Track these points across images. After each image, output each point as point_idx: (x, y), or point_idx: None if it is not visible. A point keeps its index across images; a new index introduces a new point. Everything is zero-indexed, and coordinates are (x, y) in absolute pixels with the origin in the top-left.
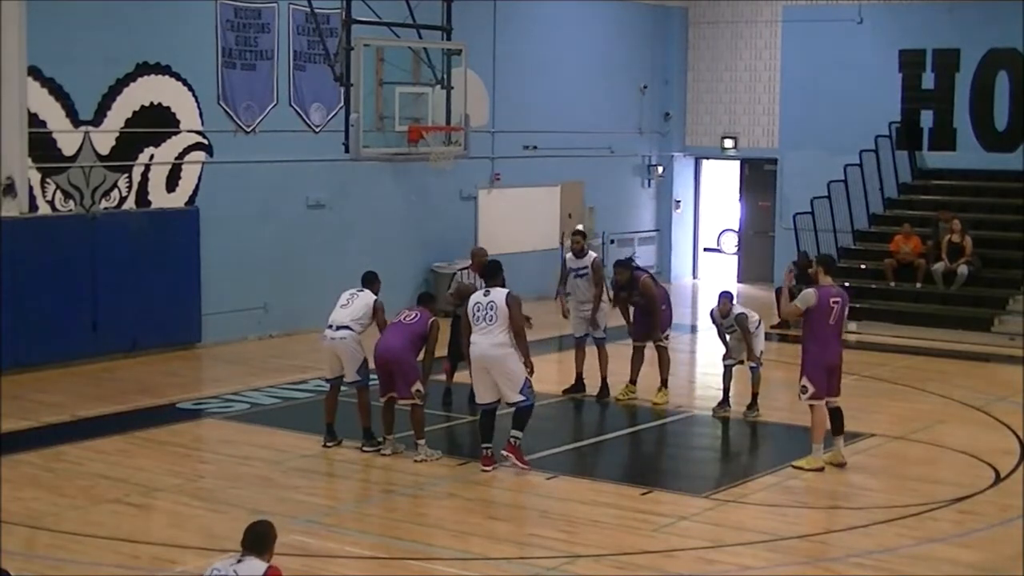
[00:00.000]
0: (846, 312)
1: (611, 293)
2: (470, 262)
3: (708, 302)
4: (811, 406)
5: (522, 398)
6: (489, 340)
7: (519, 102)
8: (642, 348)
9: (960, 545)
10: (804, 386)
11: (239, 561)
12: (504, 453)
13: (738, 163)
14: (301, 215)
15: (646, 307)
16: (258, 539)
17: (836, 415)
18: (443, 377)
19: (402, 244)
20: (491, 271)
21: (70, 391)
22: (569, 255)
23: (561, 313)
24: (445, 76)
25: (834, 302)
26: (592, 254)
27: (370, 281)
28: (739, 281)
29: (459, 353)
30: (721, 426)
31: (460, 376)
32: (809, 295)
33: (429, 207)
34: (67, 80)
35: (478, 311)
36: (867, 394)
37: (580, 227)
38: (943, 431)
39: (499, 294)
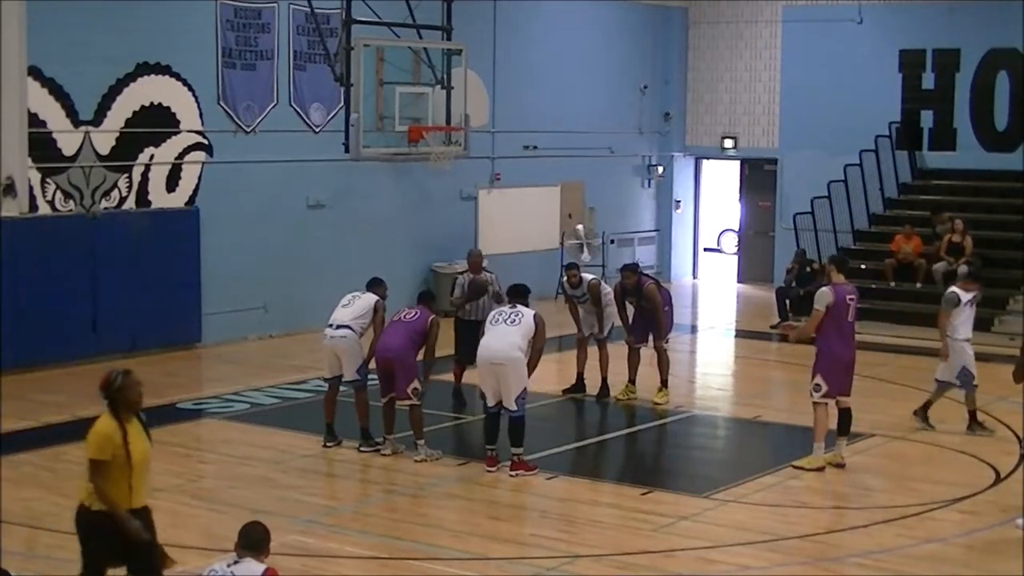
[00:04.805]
0: (857, 311)
1: (613, 305)
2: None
3: (708, 302)
4: (816, 405)
5: (515, 408)
6: (505, 341)
7: (519, 102)
8: (638, 349)
9: (960, 545)
10: (818, 384)
11: (235, 562)
12: (512, 474)
13: (738, 163)
14: (301, 215)
15: (649, 312)
16: (254, 540)
17: (845, 415)
18: (451, 378)
19: (402, 244)
20: (520, 292)
21: (70, 391)
22: (566, 284)
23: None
24: (445, 76)
25: (850, 299)
26: (587, 277)
27: (374, 286)
28: (739, 281)
29: (465, 353)
30: (721, 426)
31: (468, 377)
32: (826, 293)
33: (429, 207)
34: (67, 80)
35: (500, 316)
36: (867, 394)
37: (581, 229)
38: (943, 431)
39: (528, 311)
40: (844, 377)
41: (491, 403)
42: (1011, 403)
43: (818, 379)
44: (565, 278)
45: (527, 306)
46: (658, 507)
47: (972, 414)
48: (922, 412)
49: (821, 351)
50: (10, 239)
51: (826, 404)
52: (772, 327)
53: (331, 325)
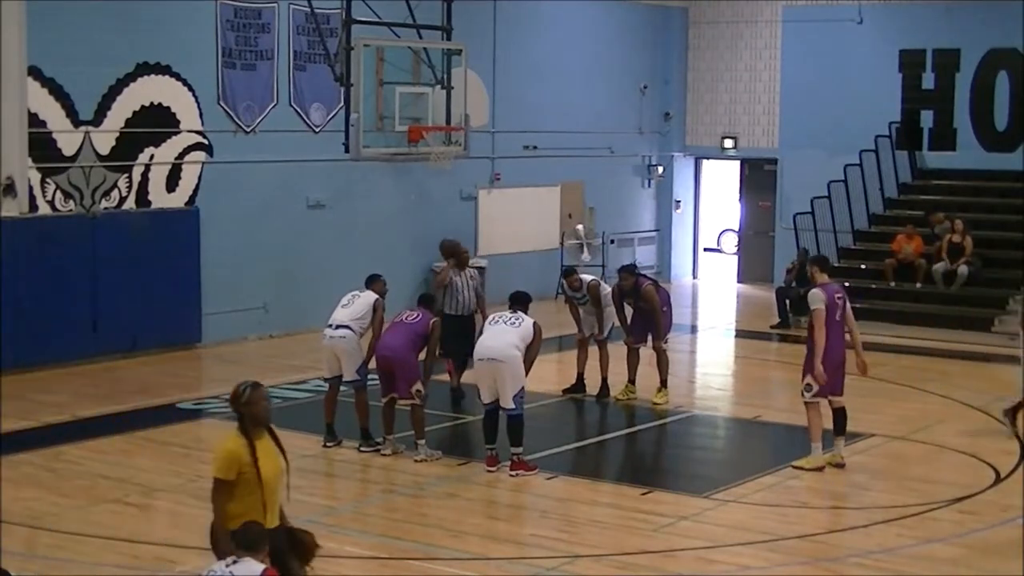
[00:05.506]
0: (848, 308)
1: (612, 306)
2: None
3: (708, 302)
4: (807, 405)
5: (513, 406)
6: (503, 340)
7: (519, 102)
8: (637, 349)
9: (960, 545)
10: (808, 384)
11: (235, 562)
12: (512, 473)
13: (738, 163)
14: (301, 215)
15: (648, 313)
16: (251, 540)
17: (840, 415)
18: (446, 377)
19: (402, 244)
20: (521, 299)
21: (70, 391)
22: (566, 286)
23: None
24: (445, 76)
25: (838, 298)
26: (586, 279)
27: (372, 282)
28: (739, 281)
29: (454, 351)
30: (721, 426)
31: (466, 376)
32: (818, 293)
33: (429, 207)
34: (67, 80)
35: (501, 318)
36: (867, 394)
37: (581, 229)
38: (943, 431)
39: (528, 318)
40: (835, 376)
41: (487, 400)
42: (1011, 403)
43: (809, 379)
44: (566, 283)
45: (527, 313)
46: (658, 507)
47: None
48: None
49: (811, 351)
50: (10, 239)
51: (818, 403)
52: (772, 327)
53: (331, 325)
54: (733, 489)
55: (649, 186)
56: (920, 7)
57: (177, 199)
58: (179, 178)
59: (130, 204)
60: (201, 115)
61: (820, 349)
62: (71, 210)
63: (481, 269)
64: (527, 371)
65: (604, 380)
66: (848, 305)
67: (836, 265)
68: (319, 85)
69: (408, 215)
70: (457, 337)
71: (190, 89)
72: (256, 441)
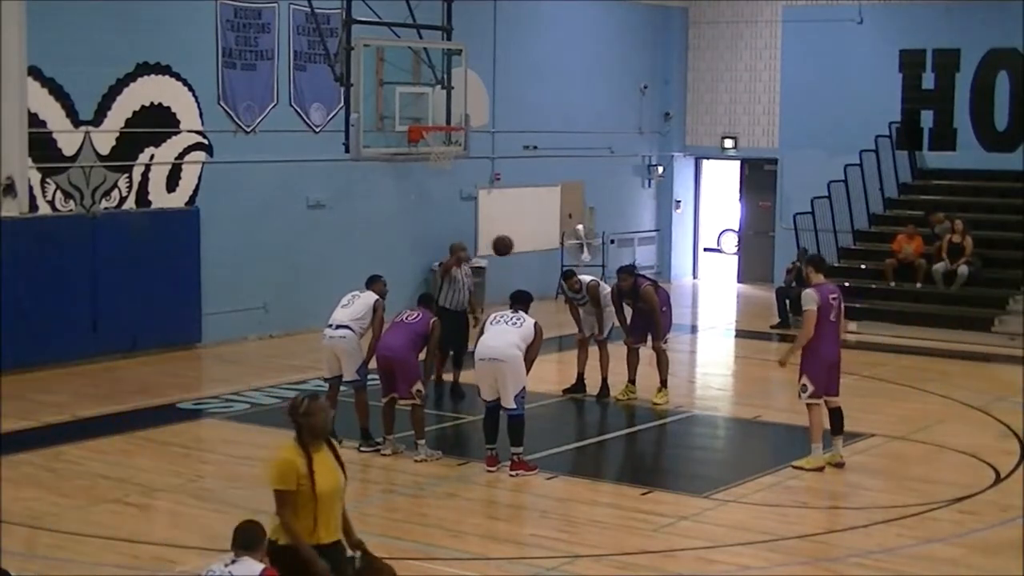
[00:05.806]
0: (843, 309)
1: (612, 306)
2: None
3: (708, 302)
4: (808, 406)
5: (514, 406)
6: (504, 340)
7: (519, 102)
8: (636, 349)
9: (960, 545)
10: (804, 385)
11: (233, 562)
12: (512, 473)
13: (738, 163)
14: (301, 215)
15: (647, 313)
16: (249, 539)
17: (836, 415)
18: (445, 376)
19: (402, 244)
20: (522, 298)
21: (70, 391)
22: (566, 288)
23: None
24: (445, 76)
25: (833, 299)
26: (585, 280)
27: (372, 282)
28: (739, 281)
29: (445, 347)
30: (721, 426)
31: (466, 376)
32: (811, 294)
33: (429, 207)
34: (67, 80)
35: (502, 317)
36: (867, 394)
37: (581, 229)
38: (943, 431)
39: (529, 318)
40: (830, 377)
41: (488, 397)
42: (1011, 403)
43: (804, 380)
44: (565, 285)
45: (528, 312)
46: (658, 507)
47: None
48: None
49: (807, 352)
50: (10, 239)
51: (818, 404)
52: (772, 327)
53: (331, 325)
54: (733, 489)
55: (649, 186)
56: (920, 7)
57: (177, 199)
58: (179, 178)
59: (130, 204)
60: (201, 115)
61: (798, 347)
62: (71, 210)
63: (481, 269)
64: (527, 371)
65: (604, 380)
66: (842, 306)
67: (836, 265)
68: (319, 85)
69: (408, 215)
70: (451, 333)
71: (190, 89)
72: (314, 454)
